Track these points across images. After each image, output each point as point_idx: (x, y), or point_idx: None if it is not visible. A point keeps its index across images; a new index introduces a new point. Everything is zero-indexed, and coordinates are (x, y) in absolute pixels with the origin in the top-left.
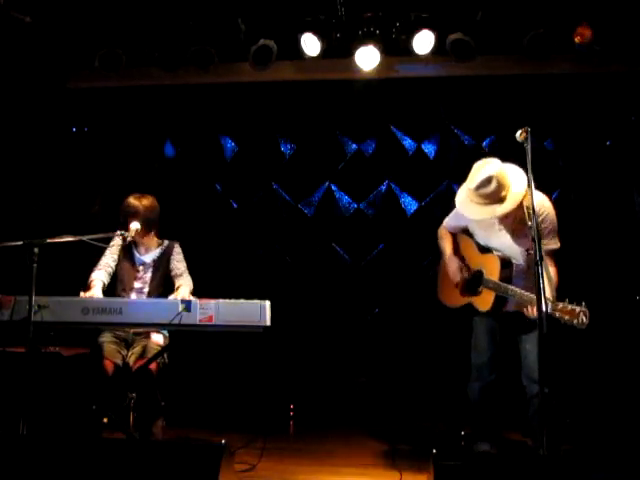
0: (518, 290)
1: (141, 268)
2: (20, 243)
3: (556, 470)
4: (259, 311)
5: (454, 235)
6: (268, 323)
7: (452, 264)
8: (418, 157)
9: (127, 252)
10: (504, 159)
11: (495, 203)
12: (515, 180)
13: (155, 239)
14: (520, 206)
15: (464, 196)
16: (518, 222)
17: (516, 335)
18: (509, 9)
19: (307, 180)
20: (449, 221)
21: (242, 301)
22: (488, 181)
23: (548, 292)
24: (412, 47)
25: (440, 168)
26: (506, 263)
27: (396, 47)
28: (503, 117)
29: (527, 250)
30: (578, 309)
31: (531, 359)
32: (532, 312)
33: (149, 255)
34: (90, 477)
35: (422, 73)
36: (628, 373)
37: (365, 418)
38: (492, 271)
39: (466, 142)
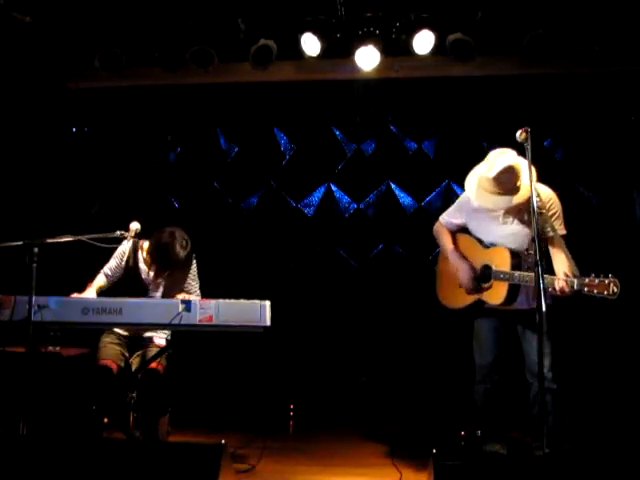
0: (532, 274)
1: (151, 287)
2: (20, 243)
3: (556, 470)
4: (259, 311)
5: (452, 233)
6: (268, 323)
7: (458, 263)
8: (418, 157)
9: (134, 266)
10: None
11: (511, 194)
12: (524, 171)
13: None
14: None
15: (476, 185)
16: (521, 211)
17: (521, 332)
18: (509, 9)
19: (307, 180)
20: (447, 218)
21: (242, 301)
22: (507, 171)
23: (570, 270)
24: (412, 47)
25: (440, 168)
26: (514, 253)
27: (396, 47)
28: (503, 117)
29: (527, 250)
30: (607, 280)
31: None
32: (562, 286)
33: None
34: (90, 477)
35: (422, 73)
36: (628, 373)
37: (365, 418)
38: (502, 262)
39: (466, 142)
